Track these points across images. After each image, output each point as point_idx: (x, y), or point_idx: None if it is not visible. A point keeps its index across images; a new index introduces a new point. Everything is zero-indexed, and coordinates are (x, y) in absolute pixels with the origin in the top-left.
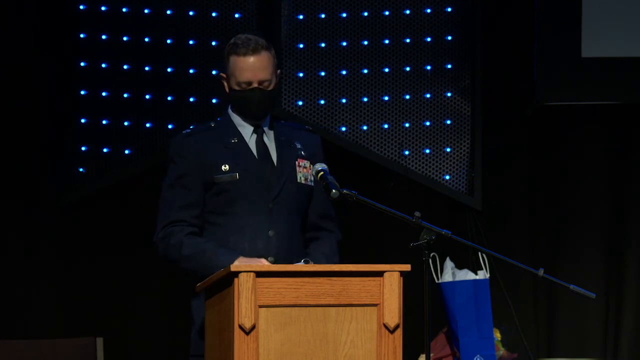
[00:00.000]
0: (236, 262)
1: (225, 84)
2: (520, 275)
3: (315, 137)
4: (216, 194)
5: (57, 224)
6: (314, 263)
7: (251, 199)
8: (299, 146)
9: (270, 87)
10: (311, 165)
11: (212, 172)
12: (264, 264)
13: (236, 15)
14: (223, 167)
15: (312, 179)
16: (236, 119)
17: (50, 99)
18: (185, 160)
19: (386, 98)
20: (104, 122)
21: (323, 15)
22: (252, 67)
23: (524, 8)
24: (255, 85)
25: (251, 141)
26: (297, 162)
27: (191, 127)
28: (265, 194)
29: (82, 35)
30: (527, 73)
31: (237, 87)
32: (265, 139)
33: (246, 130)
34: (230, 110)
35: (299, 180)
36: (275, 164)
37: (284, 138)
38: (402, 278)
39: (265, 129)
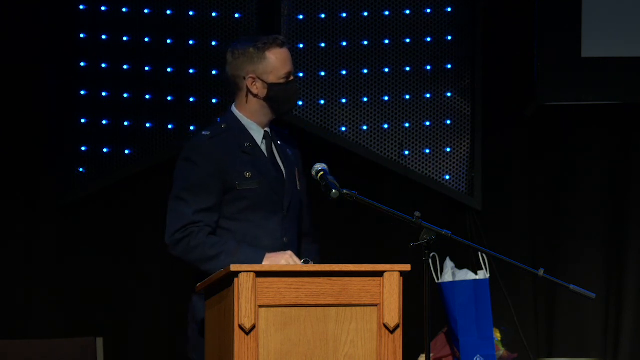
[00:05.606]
0: (265, 261)
1: (256, 84)
2: (520, 275)
3: (295, 140)
4: (234, 200)
5: (57, 224)
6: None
7: (269, 206)
8: (290, 152)
9: None
10: (298, 171)
11: (234, 178)
12: (289, 257)
13: (236, 15)
14: (246, 174)
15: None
16: (246, 121)
17: (50, 99)
18: (208, 163)
19: (386, 98)
20: (104, 122)
21: (323, 15)
22: (290, 59)
23: (524, 8)
24: (292, 77)
25: (262, 146)
26: (295, 169)
27: (207, 129)
28: (280, 201)
29: (82, 36)
30: (527, 73)
31: (278, 81)
32: (272, 144)
33: (257, 135)
34: (237, 112)
35: (298, 188)
36: (283, 171)
37: (280, 143)
38: (402, 278)
39: (269, 132)
